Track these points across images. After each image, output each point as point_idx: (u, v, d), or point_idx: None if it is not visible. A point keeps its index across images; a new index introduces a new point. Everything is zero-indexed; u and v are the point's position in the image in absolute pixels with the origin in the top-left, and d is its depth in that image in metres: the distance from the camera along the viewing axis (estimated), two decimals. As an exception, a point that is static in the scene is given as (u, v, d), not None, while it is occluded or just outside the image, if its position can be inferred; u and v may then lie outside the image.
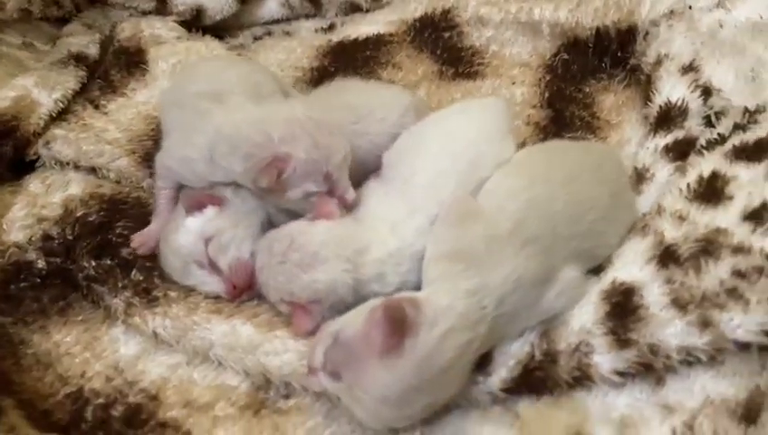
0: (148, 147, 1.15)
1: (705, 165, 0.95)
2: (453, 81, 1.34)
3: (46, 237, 1.06)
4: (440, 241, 0.84)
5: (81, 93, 1.29)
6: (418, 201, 0.93)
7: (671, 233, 0.87)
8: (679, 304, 0.79)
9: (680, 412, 0.75)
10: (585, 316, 0.82)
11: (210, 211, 0.96)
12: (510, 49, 1.38)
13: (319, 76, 1.36)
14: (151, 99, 1.27)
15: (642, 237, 0.89)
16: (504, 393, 0.81)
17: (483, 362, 0.81)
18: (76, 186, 1.13)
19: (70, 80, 1.29)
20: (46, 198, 1.12)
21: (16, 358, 0.93)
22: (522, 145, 1.09)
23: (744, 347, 0.76)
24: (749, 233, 0.83)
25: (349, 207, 0.95)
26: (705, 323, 0.76)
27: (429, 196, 0.92)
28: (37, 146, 1.18)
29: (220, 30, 1.56)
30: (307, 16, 1.62)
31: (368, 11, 1.57)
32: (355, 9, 1.59)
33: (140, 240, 1.02)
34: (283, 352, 0.88)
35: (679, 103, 1.08)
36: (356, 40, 1.43)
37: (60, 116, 1.23)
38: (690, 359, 0.77)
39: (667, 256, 0.84)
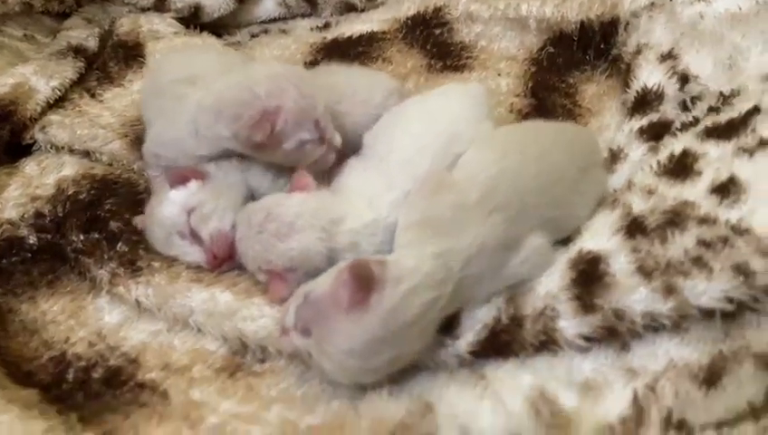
0: (140, 131, 1.17)
1: (677, 145, 0.96)
2: (441, 73, 1.37)
3: (38, 215, 1.09)
4: (412, 210, 0.86)
5: (79, 83, 1.32)
6: (395, 177, 0.94)
7: (639, 206, 0.88)
8: (644, 272, 0.79)
9: (643, 376, 0.76)
10: (551, 283, 0.83)
11: (194, 185, 0.98)
12: (498, 44, 1.41)
13: (312, 70, 1.39)
14: (146, 88, 1.29)
15: (611, 211, 0.90)
16: (471, 356, 0.81)
17: (451, 326, 0.82)
18: (70, 168, 1.16)
19: (68, 70, 1.32)
20: (41, 179, 1.15)
21: (3, 325, 0.95)
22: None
23: (707, 314, 0.76)
24: (715, 205, 0.83)
25: (337, 153, 0.98)
26: (669, 290, 0.77)
27: (406, 172, 0.94)
28: (33, 130, 1.21)
29: (218, 27, 1.59)
30: (303, 15, 1.65)
31: (362, 10, 1.60)
32: (350, 9, 1.62)
33: (143, 220, 1.04)
34: (259, 317, 0.89)
35: (655, 88, 1.10)
36: (350, 37, 1.46)
37: (57, 103, 1.26)
38: (655, 325, 0.77)
39: (634, 227, 0.85)
